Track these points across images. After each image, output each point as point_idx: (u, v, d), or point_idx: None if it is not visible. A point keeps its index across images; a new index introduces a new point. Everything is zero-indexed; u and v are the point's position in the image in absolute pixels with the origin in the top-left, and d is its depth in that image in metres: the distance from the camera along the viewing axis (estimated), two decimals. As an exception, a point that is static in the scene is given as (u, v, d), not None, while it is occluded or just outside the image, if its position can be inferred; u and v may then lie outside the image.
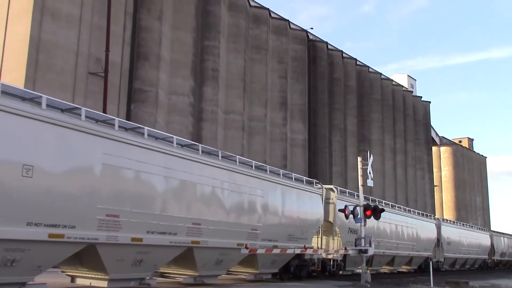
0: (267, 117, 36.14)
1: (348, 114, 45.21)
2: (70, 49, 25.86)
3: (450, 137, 77.59)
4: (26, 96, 10.68)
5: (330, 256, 20.58)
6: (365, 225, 20.02)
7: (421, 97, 60.53)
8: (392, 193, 49.40)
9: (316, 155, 41.01)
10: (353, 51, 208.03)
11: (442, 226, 35.12)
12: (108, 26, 26.96)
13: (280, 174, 17.94)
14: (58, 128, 10.87)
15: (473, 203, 74.31)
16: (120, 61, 28.02)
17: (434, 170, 64.11)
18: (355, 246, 19.98)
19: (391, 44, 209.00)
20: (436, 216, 36.51)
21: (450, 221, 42.15)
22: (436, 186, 64.10)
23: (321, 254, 19.46)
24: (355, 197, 22.88)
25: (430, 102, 61.47)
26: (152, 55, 29.05)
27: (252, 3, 36.45)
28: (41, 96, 10.76)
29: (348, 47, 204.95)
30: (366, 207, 20.00)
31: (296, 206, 18.32)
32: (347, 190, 23.64)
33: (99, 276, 12.34)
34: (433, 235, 33.42)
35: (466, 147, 77.98)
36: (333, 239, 21.13)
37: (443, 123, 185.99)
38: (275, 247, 16.64)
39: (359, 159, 21.46)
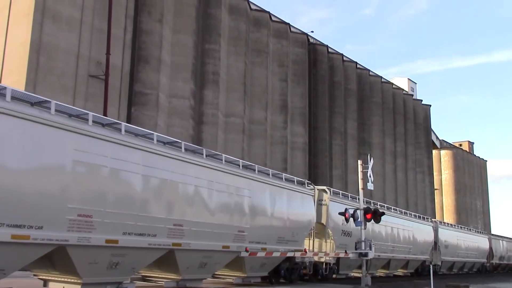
0: (267, 120, 35.08)
1: (348, 117, 43.92)
2: (71, 51, 25.12)
3: (450, 140, 75.93)
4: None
5: (322, 259, 19.28)
6: (365, 228, 18.95)
7: (422, 100, 59.09)
8: (393, 197, 47.98)
9: (316, 158, 39.79)
10: (354, 54, 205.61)
11: (439, 229, 33.48)
12: (109, 29, 26.16)
13: (269, 174, 16.75)
14: (25, 122, 9.87)
15: (473, 206, 72.40)
16: (121, 64, 27.21)
17: (435, 173, 62.43)
18: (355, 249, 18.90)
19: (392, 47, 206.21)
20: (433, 219, 34.71)
21: (447, 223, 40.31)
22: (436, 189, 62.39)
23: (313, 257, 18.18)
24: (349, 198, 21.70)
25: (430, 105, 60.11)
26: (153, 58, 28.22)
27: (252, 7, 35.49)
28: (5, 88, 9.75)
29: (349, 50, 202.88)
30: (366, 211, 18.88)
31: (286, 207, 17.11)
32: (341, 192, 22.33)
33: (72, 280, 11.29)
34: (430, 238, 31.88)
35: (466, 151, 76.09)
36: (326, 241, 19.85)
37: (443, 127, 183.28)
38: (264, 249, 15.46)
39: (359, 162, 20.45)
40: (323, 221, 19.79)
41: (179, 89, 29.51)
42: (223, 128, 32.04)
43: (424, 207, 53.96)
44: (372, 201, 25.09)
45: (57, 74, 24.35)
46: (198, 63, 30.85)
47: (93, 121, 11.38)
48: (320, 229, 19.72)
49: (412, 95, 59.41)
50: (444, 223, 38.53)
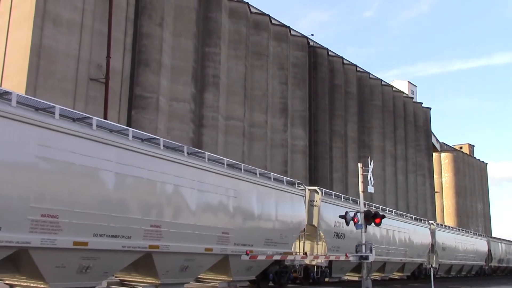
0: (267, 123, 33.89)
1: (348, 120, 42.52)
2: (71, 55, 24.33)
3: (450, 143, 73.88)
4: None
5: (314, 262, 17.90)
6: (365, 231, 17.70)
7: (422, 103, 57.45)
8: (393, 199, 46.42)
9: (316, 161, 38.45)
10: (354, 57, 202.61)
11: (436, 231, 31.73)
12: (109, 32, 25.31)
13: (256, 174, 15.46)
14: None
15: (474, 209, 70.28)
16: (121, 67, 26.34)
17: (435, 176, 60.58)
18: (356, 252, 17.66)
19: (392, 50, 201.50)
20: (430, 221, 32.94)
21: (445, 226, 38.39)
22: (437, 192, 60.53)
23: (303, 259, 16.82)
24: (342, 199, 20.36)
25: (430, 108, 58.39)
26: (153, 62, 27.28)
27: (252, 10, 34.39)
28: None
29: (349, 52, 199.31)
30: (366, 214, 17.65)
31: (274, 208, 15.81)
32: (333, 192, 20.89)
33: (39, 285, 10.16)
34: (427, 240, 30.06)
35: (467, 153, 73.98)
36: (317, 244, 18.47)
37: (443, 129, 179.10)
38: (250, 252, 14.16)
39: (359, 165, 19.20)
40: (315, 222, 18.45)
41: (179, 92, 28.58)
42: (223, 131, 31.02)
43: (424, 210, 52.28)
44: (366, 202, 23.66)
45: (57, 78, 23.58)
46: (198, 66, 29.90)
47: (62, 115, 10.27)
48: (311, 231, 18.36)
49: (412, 98, 57.78)
50: (441, 225, 36.58)
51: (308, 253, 17.88)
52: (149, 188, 11.72)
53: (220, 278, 14.42)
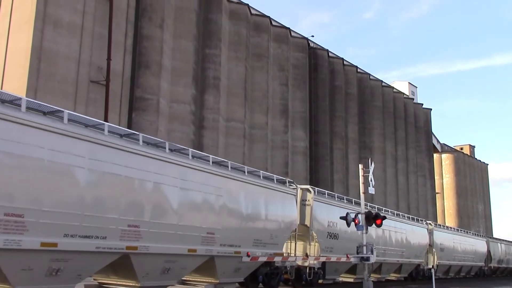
0: (268, 124, 32.91)
1: (349, 121, 41.35)
2: (72, 57, 23.69)
3: (451, 144, 72.27)
4: None
5: (306, 264, 16.75)
6: (366, 232, 16.68)
7: (422, 104, 56.09)
8: (394, 200, 45.10)
9: (317, 163, 37.31)
10: (355, 58, 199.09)
11: (434, 231, 30.22)
12: (110, 35, 24.64)
13: (245, 172, 14.39)
14: None
15: (475, 210, 68.47)
16: (122, 70, 25.62)
17: (436, 177, 59.01)
18: (357, 253, 16.65)
19: (393, 51, 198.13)
20: (428, 221, 31.48)
21: (443, 226, 36.76)
22: (437, 193, 58.94)
23: (294, 261, 15.68)
24: (336, 198, 19.18)
25: (431, 109, 57.06)
26: (154, 64, 26.53)
27: (253, 11, 33.50)
28: None
29: (349, 53, 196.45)
30: (367, 215, 16.63)
31: (264, 207, 14.70)
32: (326, 191, 19.71)
33: (4, 289, 9.16)
34: (425, 240, 28.58)
35: (467, 154, 72.23)
36: (310, 244, 17.30)
37: (444, 130, 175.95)
38: (237, 253, 13.12)
39: (360, 166, 18.31)
40: (307, 222, 17.31)
41: (180, 94, 27.82)
42: (224, 132, 30.18)
43: (425, 211, 50.86)
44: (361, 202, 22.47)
45: (58, 80, 22.95)
46: (198, 68, 29.11)
47: (29, 108, 9.32)
48: (303, 231, 17.21)
49: (413, 99, 56.54)
50: (440, 225, 34.99)
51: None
52: (126, 186, 10.73)
53: (206, 280, 13.33)
